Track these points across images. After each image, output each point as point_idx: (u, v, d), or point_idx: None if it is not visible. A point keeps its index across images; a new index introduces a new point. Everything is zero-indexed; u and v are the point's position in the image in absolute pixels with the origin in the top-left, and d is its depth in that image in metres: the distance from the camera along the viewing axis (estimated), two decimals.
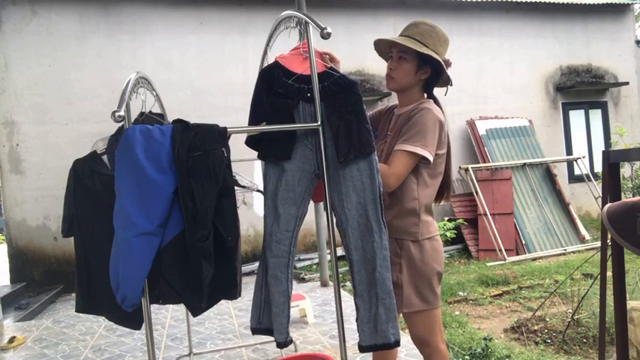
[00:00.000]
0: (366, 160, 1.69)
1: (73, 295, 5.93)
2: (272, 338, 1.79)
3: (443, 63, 1.91)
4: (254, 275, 6.43)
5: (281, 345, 1.75)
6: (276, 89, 1.75)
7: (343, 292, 4.98)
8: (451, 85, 2.00)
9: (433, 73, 1.95)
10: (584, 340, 3.56)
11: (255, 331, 1.85)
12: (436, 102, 2.00)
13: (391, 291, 1.70)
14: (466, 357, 3.24)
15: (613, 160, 1.65)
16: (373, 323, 1.70)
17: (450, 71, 1.98)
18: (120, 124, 1.75)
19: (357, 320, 1.74)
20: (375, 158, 1.70)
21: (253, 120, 1.77)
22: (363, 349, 1.72)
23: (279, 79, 1.76)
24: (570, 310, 3.92)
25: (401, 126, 1.92)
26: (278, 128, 1.72)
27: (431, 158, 1.85)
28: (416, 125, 1.85)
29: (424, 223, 1.92)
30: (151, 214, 1.45)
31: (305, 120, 1.75)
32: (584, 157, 8.42)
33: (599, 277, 1.80)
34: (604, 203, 1.65)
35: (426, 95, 2.02)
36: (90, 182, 1.89)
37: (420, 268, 1.90)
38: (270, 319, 1.79)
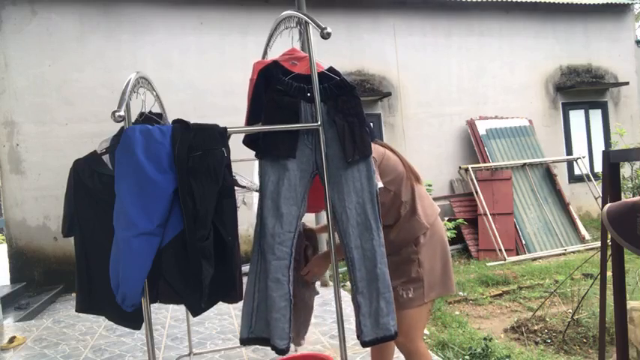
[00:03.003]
0: (364, 161, 1.72)
1: (73, 295, 5.93)
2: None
3: None
4: None
5: (282, 352, 1.69)
6: (274, 86, 1.75)
7: (343, 292, 4.98)
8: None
9: None
10: (584, 340, 3.55)
11: (246, 341, 1.77)
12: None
13: (390, 285, 1.73)
14: (466, 357, 3.24)
15: (613, 160, 1.65)
16: (374, 317, 1.72)
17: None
18: (121, 124, 1.75)
19: (358, 316, 1.74)
20: (371, 160, 1.73)
21: (252, 119, 1.77)
22: (366, 343, 1.73)
23: (277, 77, 1.77)
24: (570, 310, 3.92)
25: None
26: (277, 128, 1.72)
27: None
28: None
29: (420, 216, 2.01)
30: (151, 214, 1.45)
31: (307, 119, 1.75)
32: (584, 157, 8.42)
33: (599, 277, 1.80)
34: (604, 203, 1.65)
35: None
36: (90, 182, 1.89)
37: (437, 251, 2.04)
38: (263, 327, 1.73)
